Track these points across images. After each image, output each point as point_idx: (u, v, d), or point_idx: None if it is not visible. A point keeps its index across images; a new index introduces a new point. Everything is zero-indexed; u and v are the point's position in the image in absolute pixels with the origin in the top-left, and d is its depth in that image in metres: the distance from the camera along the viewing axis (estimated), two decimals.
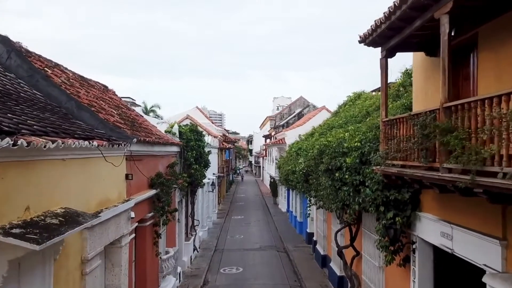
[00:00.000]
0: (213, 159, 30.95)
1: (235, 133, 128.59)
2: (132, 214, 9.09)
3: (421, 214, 8.03)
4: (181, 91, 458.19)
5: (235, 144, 64.67)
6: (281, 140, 35.59)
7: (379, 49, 7.83)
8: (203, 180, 20.20)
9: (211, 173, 29.17)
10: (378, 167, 7.66)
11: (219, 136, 37.50)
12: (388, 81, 10.60)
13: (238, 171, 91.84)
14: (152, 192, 11.26)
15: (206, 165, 19.29)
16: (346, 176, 9.93)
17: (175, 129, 15.99)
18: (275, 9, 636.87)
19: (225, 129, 51.81)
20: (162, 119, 34.12)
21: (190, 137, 16.42)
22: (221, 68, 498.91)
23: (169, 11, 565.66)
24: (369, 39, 7.45)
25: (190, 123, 19.13)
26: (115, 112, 11.63)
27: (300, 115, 49.57)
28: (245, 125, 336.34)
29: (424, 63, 8.11)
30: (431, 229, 7.62)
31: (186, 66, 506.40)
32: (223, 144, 38.35)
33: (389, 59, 7.89)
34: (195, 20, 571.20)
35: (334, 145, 10.97)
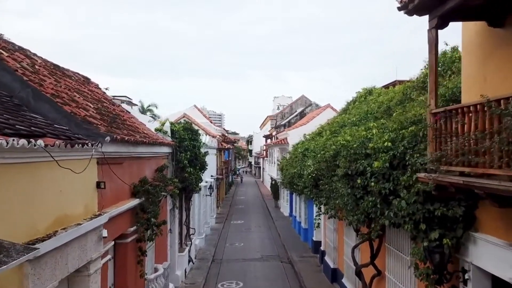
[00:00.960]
0: (211, 160, 29.06)
1: (234, 133, 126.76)
2: (105, 233, 7.19)
3: (477, 235, 6.15)
4: (180, 91, 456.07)
5: (235, 144, 62.75)
6: (283, 140, 33.71)
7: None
8: (200, 184, 18.33)
9: (208, 176, 27.27)
10: (426, 174, 5.76)
11: (218, 136, 35.60)
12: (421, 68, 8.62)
13: (237, 172, 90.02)
14: (135, 201, 9.37)
15: (203, 167, 17.41)
16: (372, 184, 8.04)
17: (167, 127, 14.10)
18: (275, 9, 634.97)
19: (224, 129, 49.87)
20: (159, 118, 32.40)
21: (184, 136, 14.52)
22: (220, 68, 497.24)
23: (169, 11, 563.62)
24: (414, 3, 5.56)
25: (184, 120, 17.18)
26: (92, 106, 9.73)
27: (302, 114, 47.70)
28: (245, 125, 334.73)
29: (482, 38, 6.21)
30: (493, 256, 5.75)
31: (186, 66, 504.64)
32: (222, 145, 36.44)
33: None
34: (195, 20, 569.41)
35: (354, 145, 9.08)
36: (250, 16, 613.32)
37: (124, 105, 17.98)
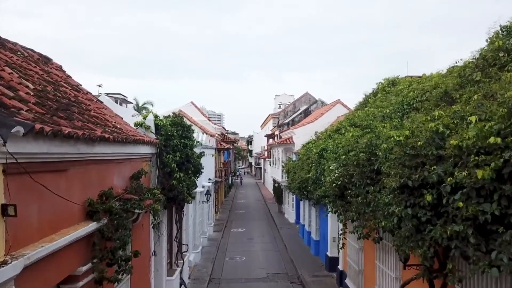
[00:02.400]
0: (209, 162, 26.02)
1: (234, 133, 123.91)
2: None
3: None
4: (180, 91, 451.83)
5: (235, 144, 59.67)
6: (288, 139, 30.66)
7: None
8: (195, 190, 15.31)
9: (206, 179, 24.22)
10: None
11: (216, 135, 32.52)
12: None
13: (237, 173, 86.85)
14: (90, 227, 6.30)
15: (198, 171, 14.35)
16: (459, 203, 5.00)
17: (150, 121, 11.06)
18: (275, 9, 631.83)
19: (223, 128, 46.65)
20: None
21: (172, 133, 11.45)
22: (220, 68, 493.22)
23: (169, 11, 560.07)
24: None
25: (173, 113, 14.06)
26: (32, 87, 6.67)
27: (307, 112, 44.67)
28: (245, 125, 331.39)
29: None
30: None
31: (186, 66, 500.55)
32: (221, 144, 33.37)
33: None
34: (195, 20, 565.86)
35: (420, 143, 6.02)
36: (250, 16, 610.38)
37: (110, 102, 14.95)
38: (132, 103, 55.82)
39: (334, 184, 10.40)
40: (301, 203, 26.22)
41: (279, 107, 66.52)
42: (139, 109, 56.47)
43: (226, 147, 34.88)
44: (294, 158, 28.99)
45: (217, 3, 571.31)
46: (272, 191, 47.25)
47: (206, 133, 29.82)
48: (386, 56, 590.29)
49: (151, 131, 10.99)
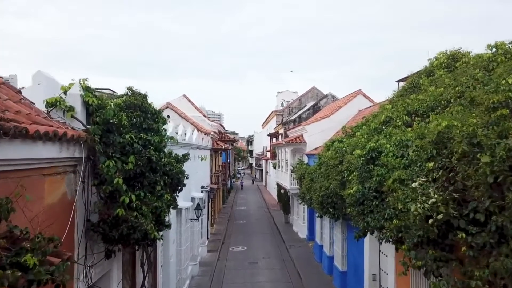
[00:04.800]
0: (203, 165, 20.88)
1: (234, 133, 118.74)
2: None
3: None
4: (180, 92, 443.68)
5: (234, 144, 54.45)
6: (299, 138, 25.48)
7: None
8: (179, 206, 10.26)
9: (197, 188, 19.09)
10: None
11: (212, 133, 27.36)
12: None
13: (238, 175, 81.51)
14: None
15: (177, 184, 9.24)
16: None
17: (73, 97, 5.89)
18: (274, 9, 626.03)
19: (221, 125, 41.30)
20: None
21: (120, 121, 6.31)
22: (220, 69, 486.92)
23: (169, 12, 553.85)
24: None
25: (128, 89, 8.70)
26: None
27: (315, 108, 39.47)
28: (245, 126, 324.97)
29: None
30: None
31: (186, 67, 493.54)
32: (217, 144, 28.18)
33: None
34: (195, 20, 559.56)
35: None
36: (250, 17, 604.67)
37: None
38: None
39: (431, 221, 5.24)
40: (316, 215, 21.08)
41: (282, 104, 61.30)
42: None
43: (224, 147, 29.76)
44: (306, 161, 23.89)
45: (217, 3, 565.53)
46: (276, 197, 42.08)
47: (200, 131, 24.68)
48: (386, 56, 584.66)
49: (74, 117, 5.84)
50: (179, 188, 9.99)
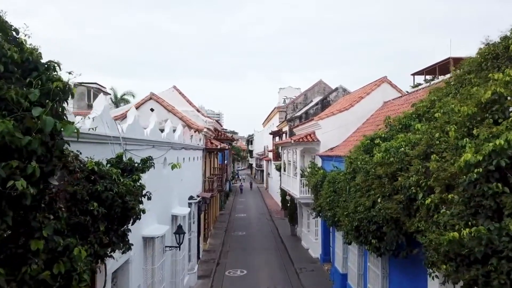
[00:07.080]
0: (190, 171, 16.36)
1: (234, 132, 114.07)
2: None
3: None
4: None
5: (232, 144, 49.81)
6: (310, 136, 20.90)
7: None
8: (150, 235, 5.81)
9: (184, 201, 14.58)
10: None
11: (205, 130, 22.76)
12: None
13: (237, 176, 76.93)
14: None
15: (125, 215, 4.74)
16: None
17: None
18: (274, 9, 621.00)
19: (217, 122, 36.50)
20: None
21: None
22: (220, 69, 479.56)
23: (169, 12, 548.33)
24: None
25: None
26: None
27: (324, 103, 34.85)
28: (245, 126, 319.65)
29: None
30: None
31: (186, 67, 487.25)
32: (212, 143, 23.57)
33: None
34: (195, 20, 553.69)
35: None
36: (250, 17, 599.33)
37: None
38: (109, 94, 46.26)
39: None
40: (336, 233, 16.59)
41: (284, 101, 56.69)
42: (117, 101, 46.85)
43: (220, 146, 25.22)
44: (319, 164, 19.36)
45: (217, 3, 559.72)
46: (280, 202, 37.52)
47: (190, 127, 20.12)
48: (386, 56, 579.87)
49: None
50: (128, 222, 5.66)
